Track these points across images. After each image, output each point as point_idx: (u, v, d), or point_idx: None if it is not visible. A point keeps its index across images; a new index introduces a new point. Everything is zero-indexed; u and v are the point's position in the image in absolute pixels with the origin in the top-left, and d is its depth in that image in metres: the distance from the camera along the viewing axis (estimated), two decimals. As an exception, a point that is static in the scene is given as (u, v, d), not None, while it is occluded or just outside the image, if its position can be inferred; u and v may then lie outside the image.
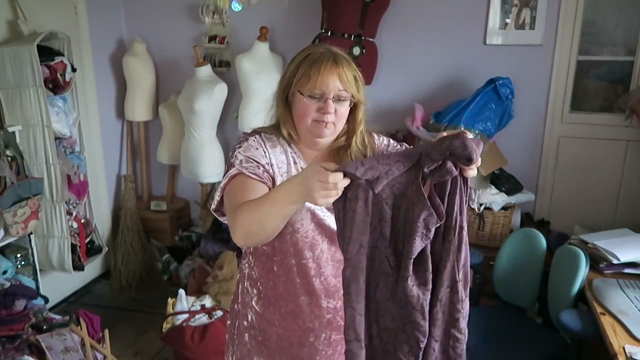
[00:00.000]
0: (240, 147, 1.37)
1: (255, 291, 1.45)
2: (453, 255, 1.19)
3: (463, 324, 1.22)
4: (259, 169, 1.32)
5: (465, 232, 1.20)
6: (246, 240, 1.25)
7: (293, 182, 1.16)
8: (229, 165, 1.35)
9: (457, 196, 1.17)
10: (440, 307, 1.19)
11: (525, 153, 3.17)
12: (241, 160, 1.33)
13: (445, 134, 1.16)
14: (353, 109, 1.40)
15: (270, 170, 1.35)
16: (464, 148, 1.10)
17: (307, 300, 1.40)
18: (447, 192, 1.17)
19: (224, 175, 1.34)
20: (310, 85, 1.32)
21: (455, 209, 1.17)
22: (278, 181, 1.35)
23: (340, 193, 1.13)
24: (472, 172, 1.15)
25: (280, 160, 1.38)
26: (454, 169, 1.13)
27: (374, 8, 3.04)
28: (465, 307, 1.21)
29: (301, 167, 1.40)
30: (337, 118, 1.35)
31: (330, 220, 1.36)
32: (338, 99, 1.34)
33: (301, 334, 1.42)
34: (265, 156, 1.36)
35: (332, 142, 1.42)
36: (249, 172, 1.30)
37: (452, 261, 1.19)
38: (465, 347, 1.24)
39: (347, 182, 1.12)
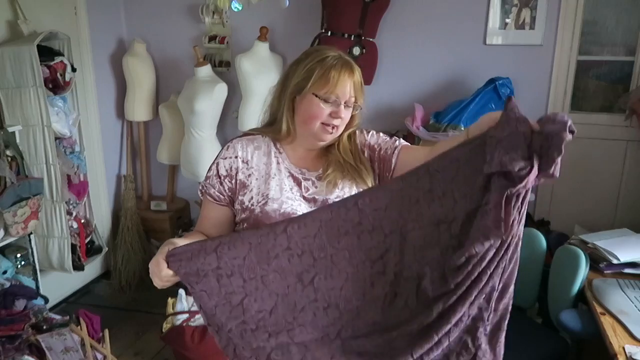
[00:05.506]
0: (218, 156, 1.45)
1: None
2: None
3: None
4: (216, 187, 1.42)
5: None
6: None
7: None
8: (207, 173, 1.46)
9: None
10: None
11: (525, 153, 3.16)
12: (207, 177, 1.44)
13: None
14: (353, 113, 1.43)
15: (234, 178, 1.41)
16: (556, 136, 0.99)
17: None
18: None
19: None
20: (327, 89, 1.35)
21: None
22: (252, 182, 1.40)
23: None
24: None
25: (262, 162, 1.42)
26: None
27: (374, 8, 3.04)
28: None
29: (285, 168, 1.43)
30: (342, 122, 1.39)
31: None
32: (347, 105, 1.38)
33: None
34: (237, 160, 1.41)
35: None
36: (209, 193, 1.44)
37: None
38: None
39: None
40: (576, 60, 3.03)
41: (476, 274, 1.10)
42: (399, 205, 1.19)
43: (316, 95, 1.36)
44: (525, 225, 3.16)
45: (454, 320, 1.13)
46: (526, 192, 1.07)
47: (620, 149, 3.05)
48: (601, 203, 3.12)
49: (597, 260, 2.29)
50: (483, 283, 1.11)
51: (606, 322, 1.89)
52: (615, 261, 2.24)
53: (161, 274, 1.26)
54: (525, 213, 1.12)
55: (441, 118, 2.97)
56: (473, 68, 3.12)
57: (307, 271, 1.23)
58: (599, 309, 1.98)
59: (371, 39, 3.12)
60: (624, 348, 1.73)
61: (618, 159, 3.06)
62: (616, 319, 1.90)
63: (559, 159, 1.01)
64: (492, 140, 1.06)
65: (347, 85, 1.36)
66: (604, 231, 2.58)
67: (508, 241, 1.10)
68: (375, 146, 1.45)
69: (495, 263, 1.11)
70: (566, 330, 2.10)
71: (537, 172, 1.02)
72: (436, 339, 1.13)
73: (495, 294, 1.14)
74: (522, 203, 1.09)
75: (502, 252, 1.11)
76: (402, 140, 1.46)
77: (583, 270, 2.19)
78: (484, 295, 1.13)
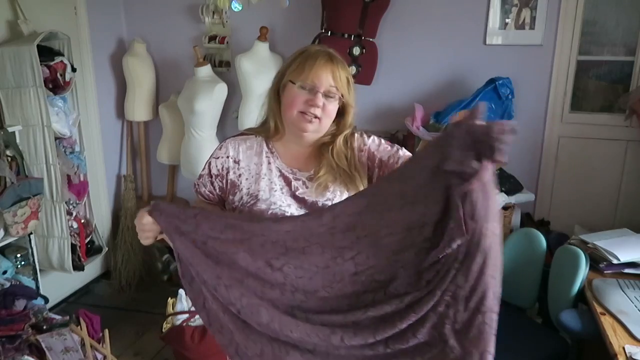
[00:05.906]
0: (211, 155, 1.48)
1: None
2: None
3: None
4: (207, 186, 1.48)
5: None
6: None
7: None
8: (201, 172, 1.50)
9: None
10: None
11: (525, 153, 3.16)
12: (200, 175, 1.49)
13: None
14: (343, 112, 1.42)
15: (225, 178, 1.44)
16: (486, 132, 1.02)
17: None
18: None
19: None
20: (303, 76, 1.36)
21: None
22: (242, 181, 1.42)
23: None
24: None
25: (252, 162, 1.43)
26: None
27: (374, 8, 3.04)
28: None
29: (276, 167, 1.43)
30: (324, 114, 1.38)
31: None
32: (327, 96, 1.37)
33: None
34: (228, 160, 1.44)
35: (316, 139, 1.43)
36: (200, 191, 1.50)
37: None
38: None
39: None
40: (576, 60, 3.03)
41: (444, 270, 1.14)
42: (373, 211, 1.21)
43: (292, 82, 1.37)
44: (526, 225, 3.15)
45: (420, 313, 1.15)
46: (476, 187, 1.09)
47: (620, 149, 3.05)
48: (601, 203, 3.12)
49: (597, 260, 2.29)
50: (449, 279, 1.13)
51: (606, 322, 1.89)
52: (615, 261, 2.25)
53: (142, 220, 1.37)
54: (488, 207, 1.11)
55: (441, 118, 2.97)
56: (473, 68, 3.12)
57: (276, 258, 1.26)
58: (599, 309, 1.98)
59: (371, 39, 3.12)
60: (624, 348, 1.73)
61: (618, 159, 3.06)
62: (616, 319, 1.90)
63: (501, 146, 1.03)
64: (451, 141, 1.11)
65: (324, 73, 1.35)
66: (604, 231, 2.59)
67: (468, 237, 1.10)
68: (375, 153, 1.44)
69: (461, 260, 1.12)
70: (566, 330, 2.10)
71: (484, 169, 1.07)
72: (399, 327, 1.16)
73: (462, 292, 1.13)
74: (476, 197, 1.10)
75: (465, 248, 1.12)
76: (405, 150, 1.45)
77: (583, 270, 2.19)
78: (450, 293, 1.14)
